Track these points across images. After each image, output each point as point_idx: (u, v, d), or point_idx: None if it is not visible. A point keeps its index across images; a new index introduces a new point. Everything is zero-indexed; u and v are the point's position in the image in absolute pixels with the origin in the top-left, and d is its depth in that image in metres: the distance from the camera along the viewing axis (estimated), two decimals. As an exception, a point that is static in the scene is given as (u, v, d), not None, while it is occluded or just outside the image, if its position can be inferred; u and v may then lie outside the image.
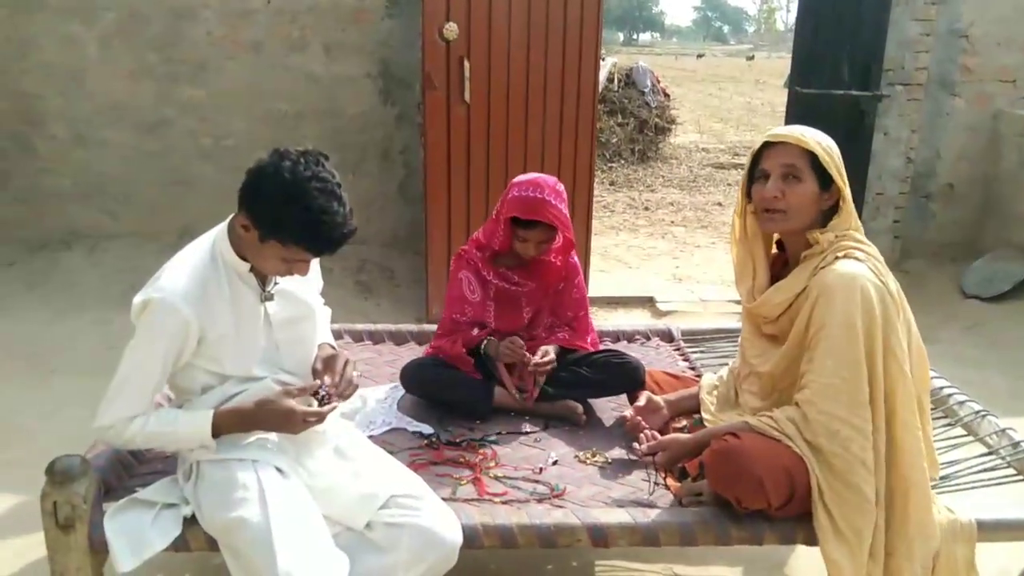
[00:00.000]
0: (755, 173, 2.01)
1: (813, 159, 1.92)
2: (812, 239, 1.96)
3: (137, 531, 1.79)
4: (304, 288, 1.98)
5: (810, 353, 1.91)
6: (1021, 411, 3.42)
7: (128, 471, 2.07)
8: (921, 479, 1.88)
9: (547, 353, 2.52)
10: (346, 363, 1.91)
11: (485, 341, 2.54)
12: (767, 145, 1.98)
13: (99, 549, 1.80)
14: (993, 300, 4.90)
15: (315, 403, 1.82)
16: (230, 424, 1.79)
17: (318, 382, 1.85)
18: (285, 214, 1.66)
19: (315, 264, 2.12)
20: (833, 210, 1.98)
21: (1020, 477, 2.21)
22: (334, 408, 1.84)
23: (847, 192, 1.95)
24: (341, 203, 1.70)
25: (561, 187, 2.48)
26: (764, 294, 2.04)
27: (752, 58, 42.50)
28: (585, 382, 2.56)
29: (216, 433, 1.78)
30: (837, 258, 1.91)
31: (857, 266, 1.89)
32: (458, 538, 1.81)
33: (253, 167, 1.72)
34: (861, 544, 1.84)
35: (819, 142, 1.94)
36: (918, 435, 1.89)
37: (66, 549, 1.78)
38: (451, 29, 4.03)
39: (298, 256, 1.74)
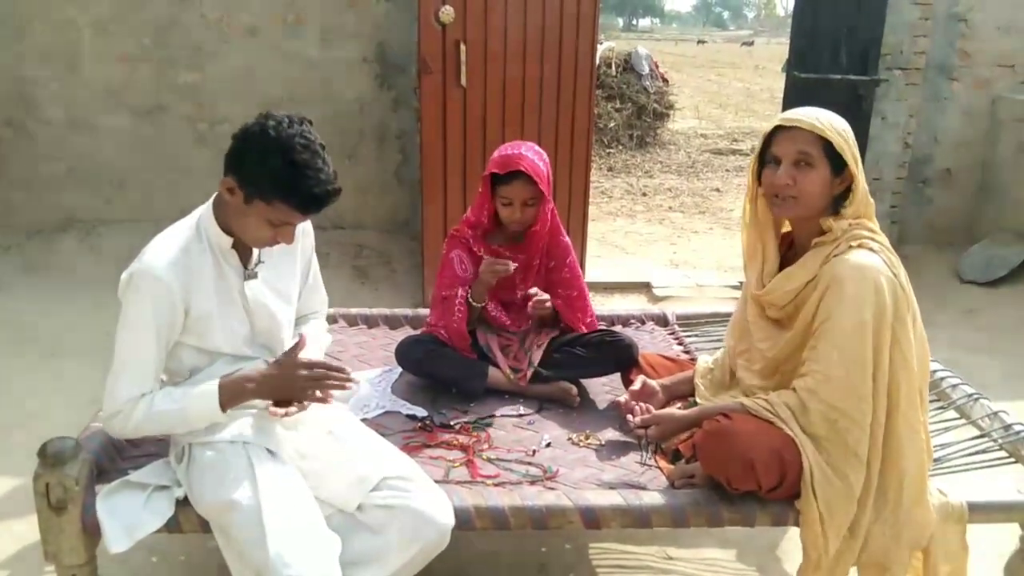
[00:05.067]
0: (766, 157, 1.95)
1: (827, 145, 1.86)
2: (826, 226, 1.92)
3: (129, 513, 1.80)
4: (289, 284, 1.98)
5: (814, 341, 1.89)
6: (1014, 395, 3.43)
7: (120, 453, 2.07)
8: (917, 472, 1.88)
9: (540, 293, 2.50)
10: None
11: (469, 293, 2.54)
12: (779, 129, 1.92)
13: (91, 531, 1.80)
14: (989, 285, 4.91)
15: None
16: (238, 392, 1.78)
17: (343, 366, 1.84)
18: (269, 168, 1.66)
19: (315, 267, 2.12)
20: (845, 195, 1.93)
21: (1012, 459, 2.22)
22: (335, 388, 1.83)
23: (861, 177, 1.90)
24: (325, 162, 1.70)
25: (541, 150, 2.51)
26: (773, 281, 2.00)
27: (751, 44, 42.27)
28: (579, 362, 2.56)
29: (223, 405, 1.76)
30: (851, 247, 1.87)
31: (871, 257, 1.85)
32: (450, 520, 1.82)
33: (239, 131, 1.72)
34: (838, 531, 1.85)
35: (834, 127, 1.87)
36: (918, 428, 1.89)
37: (58, 531, 1.78)
38: (447, 13, 4.00)
39: (283, 216, 1.73)
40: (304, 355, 1.82)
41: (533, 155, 2.46)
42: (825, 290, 1.86)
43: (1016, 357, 4.03)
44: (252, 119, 1.72)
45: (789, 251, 2.06)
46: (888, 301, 1.82)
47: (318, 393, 1.80)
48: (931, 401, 2.44)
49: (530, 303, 2.48)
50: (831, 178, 1.90)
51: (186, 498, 1.84)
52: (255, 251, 1.89)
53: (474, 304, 2.54)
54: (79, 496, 1.78)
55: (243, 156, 1.70)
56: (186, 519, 1.84)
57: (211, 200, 1.84)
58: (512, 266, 2.47)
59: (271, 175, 1.67)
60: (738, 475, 1.87)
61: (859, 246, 1.87)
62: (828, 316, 1.85)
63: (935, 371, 2.55)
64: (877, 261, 1.85)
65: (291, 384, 1.78)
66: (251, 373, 1.81)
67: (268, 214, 1.72)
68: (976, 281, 4.96)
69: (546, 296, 2.51)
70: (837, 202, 1.94)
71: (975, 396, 2.43)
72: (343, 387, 1.81)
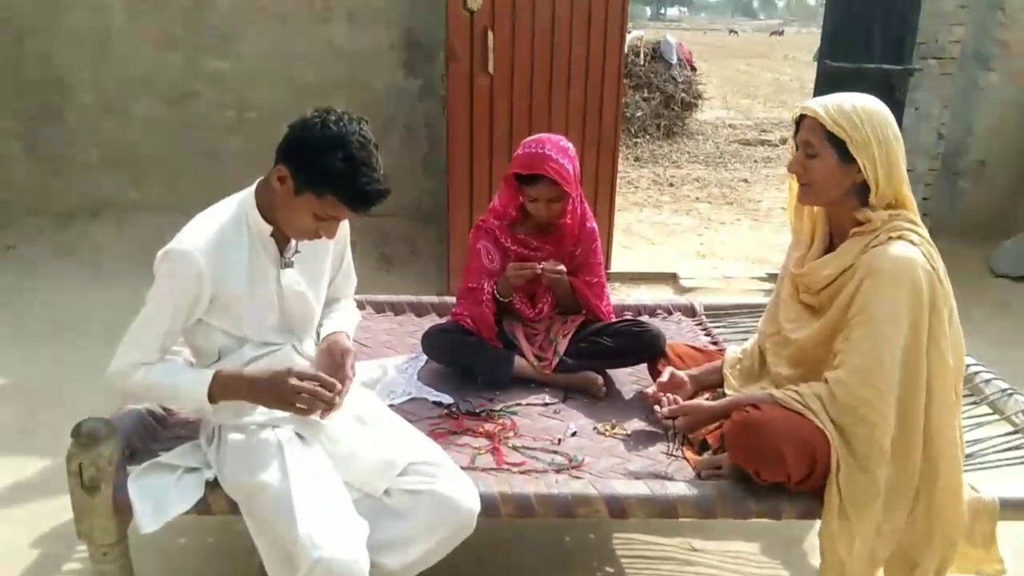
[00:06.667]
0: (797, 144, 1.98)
1: (833, 132, 1.85)
2: (863, 218, 1.90)
3: (160, 493, 1.82)
4: (322, 274, 2.00)
5: (848, 332, 1.87)
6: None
7: (152, 435, 2.10)
8: (952, 469, 1.86)
9: (557, 263, 2.49)
10: (351, 376, 1.90)
11: (496, 287, 2.54)
12: (801, 116, 1.94)
13: (123, 510, 1.82)
14: (1022, 280, 4.82)
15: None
16: (229, 388, 1.79)
17: (337, 384, 1.80)
18: (326, 161, 1.67)
19: (348, 262, 2.14)
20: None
21: (1046, 456, 2.18)
22: (326, 408, 1.80)
23: (873, 167, 1.84)
24: (379, 162, 1.72)
25: (567, 144, 2.46)
26: (812, 264, 1.99)
27: (781, 33, 41.72)
28: (605, 352, 2.54)
29: (212, 395, 1.78)
30: (891, 238, 1.85)
31: (911, 250, 1.83)
32: (476, 506, 1.82)
33: (296, 121, 1.74)
34: (861, 526, 1.83)
35: (843, 113, 1.84)
36: (953, 424, 1.86)
37: (91, 510, 1.81)
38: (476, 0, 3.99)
39: (331, 211, 1.74)
40: (301, 367, 1.83)
41: (558, 153, 2.40)
42: (862, 280, 1.84)
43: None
44: (309, 112, 1.73)
45: (828, 239, 2.03)
46: (926, 296, 1.80)
47: (305, 405, 1.77)
48: (964, 396, 2.40)
49: (542, 268, 2.45)
50: (839, 166, 1.87)
51: (216, 480, 1.86)
52: (293, 240, 1.90)
53: (500, 299, 2.54)
54: (111, 476, 1.81)
55: (300, 147, 1.71)
56: (215, 501, 1.86)
57: (254, 186, 1.85)
58: (538, 268, 2.46)
59: (327, 169, 1.68)
60: (768, 466, 1.85)
61: (899, 238, 1.85)
62: (864, 308, 1.83)
63: (968, 365, 2.51)
64: (917, 254, 1.82)
65: (280, 393, 1.77)
66: (247, 374, 1.82)
67: (316, 207, 1.73)
68: (1009, 275, 4.88)
69: (561, 267, 2.49)
70: (864, 190, 1.91)
71: (1009, 391, 2.39)
72: (331, 404, 1.79)
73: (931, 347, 1.82)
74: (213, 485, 1.86)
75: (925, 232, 1.89)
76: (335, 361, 1.91)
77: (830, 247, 2.00)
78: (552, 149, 2.41)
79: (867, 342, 1.82)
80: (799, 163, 1.92)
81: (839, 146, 1.86)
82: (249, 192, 1.86)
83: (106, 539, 1.85)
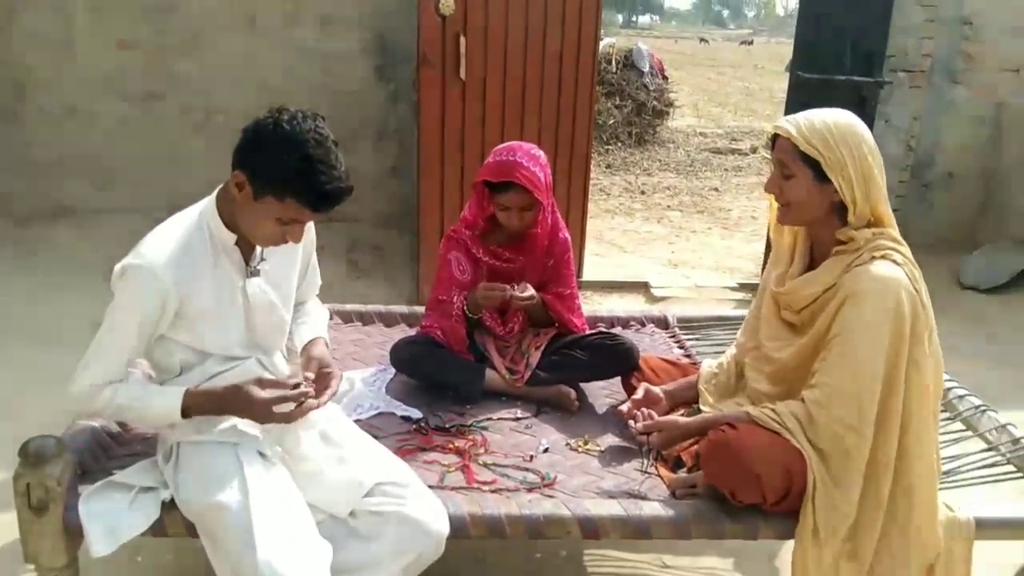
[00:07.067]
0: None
1: (804, 151, 1.81)
2: (844, 237, 1.86)
3: (113, 515, 1.74)
4: (290, 280, 1.93)
5: (827, 353, 1.83)
6: (1013, 404, 3.38)
7: (106, 452, 2.01)
8: (927, 491, 1.83)
9: (526, 288, 2.43)
10: (335, 390, 1.85)
11: (465, 302, 2.48)
12: (776, 134, 1.90)
13: (74, 533, 1.74)
14: (990, 292, 4.87)
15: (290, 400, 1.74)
16: (201, 405, 1.72)
17: (301, 383, 1.76)
18: (283, 164, 1.60)
19: (314, 264, 2.07)
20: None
21: (1020, 474, 2.17)
22: (301, 415, 1.75)
23: (850, 186, 1.81)
24: (339, 159, 1.65)
25: (538, 152, 2.42)
26: (793, 282, 1.96)
27: (751, 43, 42.13)
28: (578, 365, 2.50)
29: (185, 413, 1.71)
30: (874, 258, 1.82)
31: (894, 270, 1.80)
32: (445, 528, 1.76)
33: (250, 124, 1.67)
34: (832, 548, 1.80)
35: (808, 132, 1.80)
36: (932, 448, 1.84)
37: (39, 532, 1.73)
38: (447, 4, 3.94)
39: (293, 214, 1.67)
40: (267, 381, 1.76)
41: (529, 161, 2.36)
42: (844, 300, 1.81)
43: (1017, 366, 3.99)
44: (263, 112, 1.66)
45: (810, 257, 2.00)
46: (908, 318, 1.77)
47: (278, 415, 1.72)
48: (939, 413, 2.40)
49: (511, 296, 2.40)
50: (815, 186, 1.84)
51: (172, 500, 1.78)
52: (258, 248, 1.82)
53: (469, 315, 2.49)
54: (61, 497, 1.72)
55: (255, 150, 1.64)
56: (172, 522, 1.78)
57: (214, 193, 1.78)
58: (508, 291, 2.40)
59: (284, 171, 1.61)
60: (743, 487, 1.81)
61: (882, 257, 1.82)
62: (844, 328, 1.80)
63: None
64: (900, 274, 1.80)
65: (249, 406, 1.71)
66: (218, 389, 1.74)
67: (278, 211, 1.66)
68: (977, 287, 4.93)
69: (529, 293, 2.43)
70: (845, 209, 1.87)
71: (983, 408, 2.38)
72: (301, 414, 1.74)
73: (911, 371, 1.79)
74: (170, 506, 1.78)
75: (908, 251, 1.87)
76: (324, 391, 1.82)
77: (811, 264, 1.97)
78: (523, 156, 2.36)
79: (846, 364, 1.79)
80: (775, 183, 1.89)
81: (814, 166, 1.82)
82: (210, 200, 1.78)
83: (55, 562, 1.76)
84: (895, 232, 1.88)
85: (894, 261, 1.82)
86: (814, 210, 1.88)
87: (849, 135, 1.81)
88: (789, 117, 1.88)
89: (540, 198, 2.38)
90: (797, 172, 1.84)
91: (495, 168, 2.37)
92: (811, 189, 1.84)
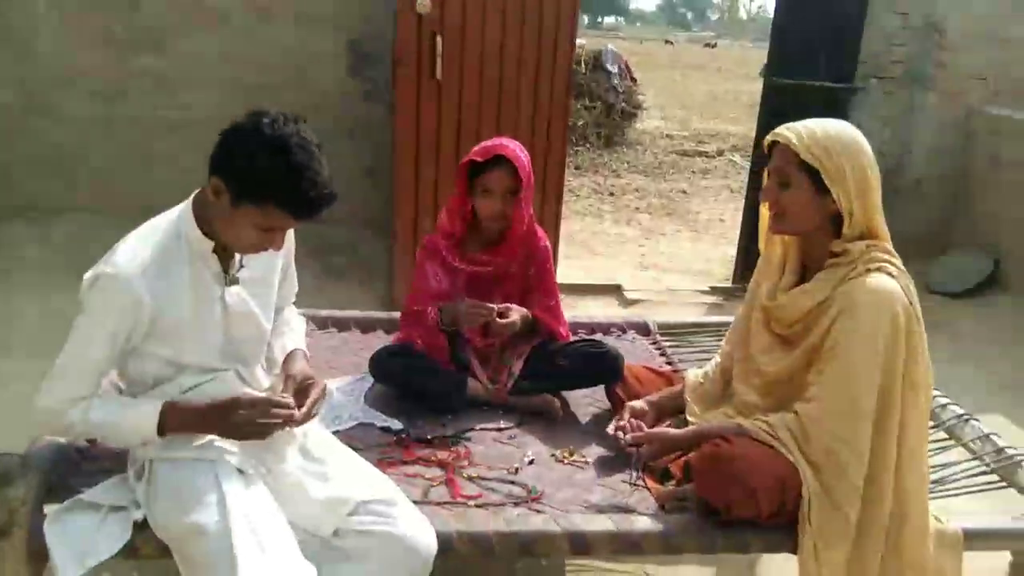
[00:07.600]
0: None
1: (807, 161, 1.79)
2: (839, 248, 1.83)
3: (81, 537, 1.64)
4: (270, 288, 1.85)
5: (822, 366, 1.80)
6: (979, 408, 3.40)
7: (74, 468, 1.90)
8: (922, 506, 1.82)
9: (511, 313, 2.38)
10: (318, 397, 1.77)
11: (440, 315, 2.42)
12: (773, 142, 1.86)
13: (39, 556, 1.64)
14: (958, 296, 4.93)
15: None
16: (178, 421, 1.64)
17: (285, 399, 1.69)
18: (263, 169, 1.52)
19: (292, 270, 1.98)
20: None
21: (1003, 484, 2.17)
22: (280, 429, 1.69)
23: (848, 197, 1.78)
24: (322, 164, 1.57)
25: (522, 146, 2.43)
26: (787, 295, 1.92)
27: (714, 45, 42.29)
28: (561, 374, 2.45)
29: (162, 430, 1.63)
30: (869, 270, 1.79)
31: (890, 283, 1.77)
32: (433, 547, 1.70)
33: (227, 127, 1.58)
34: (833, 566, 1.77)
35: (809, 141, 1.77)
36: (923, 461, 1.83)
37: (1, 557, 1.63)
38: (423, 3, 3.86)
39: (274, 221, 1.59)
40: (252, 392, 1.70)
41: (515, 146, 2.38)
42: (839, 314, 1.78)
43: (988, 370, 4.03)
44: (241, 115, 1.57)
45: (802, 269, 1.97)
46: (903, 332, 1.75)
47: (260, 429, 1.65)
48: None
49: (494, 323, 2.35)
50: (814, 197, 1.81)
51: (145, 520, 1.68)
52: (237, 255, 1.74)
53: (444, 329, 2.43)
54: (25, 519, 1.63)
55: (233, 155, 1.55)
56: (144, 543, 1.68)
57: (190, 199, 1.69)
58: (494, 311, 2.34)
59: (264, 177, 1.53)
60: (739, 502, 1.78)
61: (877, 270, 1.79)
62: (839, 342, 1.77)
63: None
64: (895, 287, 1.77)
65: (231, 421, 1.63)
66: (198, 404, 1.66)
67: (258, 218, 1.58)
68: (945, 292, 4.98)
69: (512, 319, 2.38)
70: (840, 220, 1.84)
71: (965, 417, 2.38)
72: (283, 428, 1.68)
73: (905, 387, 1.78)
74: (142, 526, 1.68)
75: (901, 263, 1.85)
76: (307, 404, 1.74)
77: (802, 276, 1.94)
78: (509, 142, 2.39)
79: (842, 378, 1.76)
80: (771, 192, 1.85)
81: (813, 175, 1.79)
82: (186, 205, 1.69)
83: (19, 586, 1.67)
84: (889, 244, 1.86)
85: (889, 274, 1.80)
86: (810, 220, 1.85)
87: (850, 145, 1.79)
88: (789, 125, 1.85)
89: (524, 177, 2.35)
90: (795, 181, 1.81)
91: (482, 149, 2.37)
92: (808, 199, 1.81)
